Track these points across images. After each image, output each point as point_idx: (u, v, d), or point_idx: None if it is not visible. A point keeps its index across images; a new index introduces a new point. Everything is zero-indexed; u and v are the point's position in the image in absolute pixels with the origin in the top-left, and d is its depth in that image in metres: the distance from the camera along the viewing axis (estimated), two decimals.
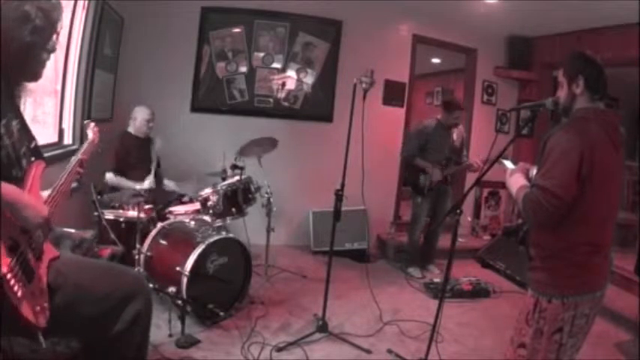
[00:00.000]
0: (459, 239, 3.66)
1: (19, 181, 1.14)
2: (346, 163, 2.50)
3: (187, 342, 2.19)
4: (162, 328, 2.27)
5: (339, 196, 2.46)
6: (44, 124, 2.81)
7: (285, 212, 3.88)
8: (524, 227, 4.24)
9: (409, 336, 2.61)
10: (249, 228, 3.08)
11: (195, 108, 4.00)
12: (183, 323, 2.22)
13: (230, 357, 2.17)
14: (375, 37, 4.21)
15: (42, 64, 1.21)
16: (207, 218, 2.75)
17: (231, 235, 2.66)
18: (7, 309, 0.99)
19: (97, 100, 3.19)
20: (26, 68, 1.18)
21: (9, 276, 0.98)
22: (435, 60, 6.36)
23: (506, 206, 4.68)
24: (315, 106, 4.18)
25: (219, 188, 2.81)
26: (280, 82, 4.09)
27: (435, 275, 3.68)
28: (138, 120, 3.10)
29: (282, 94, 4.12)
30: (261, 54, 4.06)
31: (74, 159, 1.40)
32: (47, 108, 2.85)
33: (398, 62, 4.33)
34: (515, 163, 1.67)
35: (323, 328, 2.51)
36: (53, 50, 1.21)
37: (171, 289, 2.29)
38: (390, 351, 2.41)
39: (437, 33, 4.40)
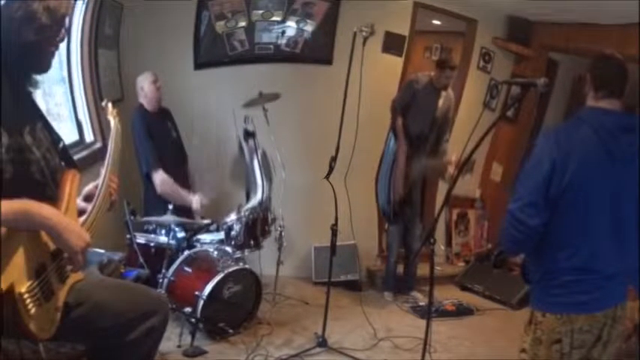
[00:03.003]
0: (437, 267, 3.48)
1: (54, 201, 1.02)
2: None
3: (194, 352, 2.21)
4: (173, 340, 2.30)
5: (334, 231, 2.69)
6: (59, 117, 2.57)
7: (292, 245, 3.94)
8: (495, 251, 4.31)
9: (403, 349, 2.65)
10: (262, 258, 3.24)
11: (198, 64, 3.83)
12: (193, 337, 2.25)
13: None
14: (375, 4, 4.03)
15: (51, 56, 1.10)
16: (228, 249, 2.83)
17: (247, 266, 2.79)
18: (14, 319, 0.93)
19: (105, 79, 2.93)
20: (34, 64, 1.08)
21: (26, 296, 0.93)
22: (436, 22, 5.97)
23: (475, 231, 4.40)
24: (315, 50, 4.06)
25: (242, 215, 2.81)
26: (280, 30, 3.98)
27: (420, 299, 3.74)
28: (145, 88, 2.77)
29: (282, 41, 3.99)
30: (260, 11, 3.95)
31: (105, 173, 1.21)
32: (58, 98, 2.62)
33: (398, 20, 4.24)
34: None
35: (323, 343, 2.57)
36: (62, 40, 1.10)
37: (187, 310, 2.37)
38: None
39: (438, 2, 4.29)
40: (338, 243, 2.74)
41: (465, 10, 4.43)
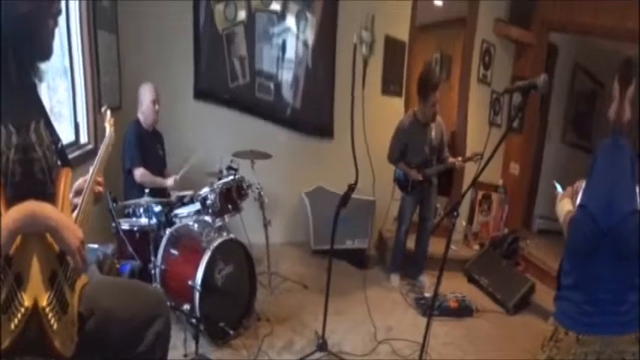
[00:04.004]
0: (452, 247, 3.83)
1: (52, 198, 1.08)
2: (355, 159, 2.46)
3: None
4: (179, 348, 2.38)
5: (351, 188, 2.44)
6: (60, 117, 2.74)
7: (278, 202, 3.91)
8: (509, 239, 4.23)
9: (400, 355, 2.81)
10: (247, 226, 3.22)
11: (198, 91, 3.85)
12: (197, 343, 2.33)
13: None
14: None
15: (50, 34, 1.09)
16: (208, 218, 2.88)
17: (232, 235, 2.81)
18: (41, 338, 0.97)
19: (104, 78, 3.11)
20: (34, 43, 1.06)
21: (47, 309, 0.96)
22: (437, 2, 5.74)
23: (497, 212, 4.73)
24: (314, 102, 4.03)
25: (215, 187, 2.92)
26: (280, 40, 3.91)
27: (426, 288, 3.83)
28: (144, 105, 3.02)
29: (281, 73, 3.93)
30: None
31: (93, 170, 1.29)
32: (60, 94, 2.77)
33: (398, 20, 4.16)
34: (563, 187, 1.55)
35: (322, 347, 2.69)
36: (59, 14, 1.09)
37: (186, 307, 2.41)
38: None
39: None
40: (353, 195, 2.52)
41: None
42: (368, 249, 4.18)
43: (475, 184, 1.75)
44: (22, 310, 0.91)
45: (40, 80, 1.14)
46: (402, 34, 4.19)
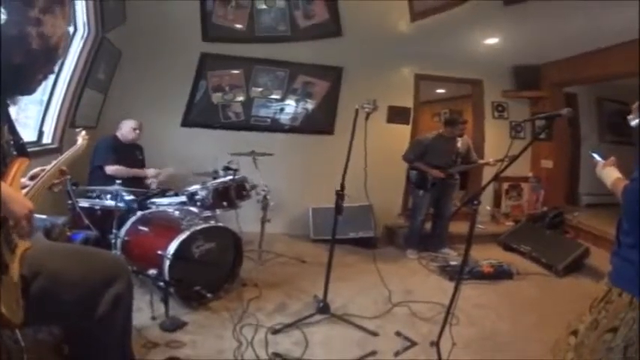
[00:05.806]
0: (479, 226, 3.79)
1: (2, 175, 1.21)
2: (347, 165, 2.33)
3: (172, 324, 2.09)
4: (145, 310, 2.16)
5: (340, 195, 2.34)
6: (25, 126, 3.02)
7: (283, 206, 3.78)
8: (551, 213, 4.14)
9: (421, 317, 2.44)
10: (242, 218, 2.90)
11: (186, 123, 4.13)
12: (166, 305, 2.12)
13: (221, 340, 2.02)
14: (376, 79, 4.34)
15: (36, 84, 1.26)
16: (194, 209, 2.69)
17: (220, 223, 2.57)
18: None
19: (83, 110, 3.36)
20: (20, 88, 1.23)
21: None
22: (440, 90, 6.58)
23: (530, 196, 4.87)
24: (316, 123, 4.31)
25: (208, 185, 2.74)
26: (279, 107, 4.24)
27: (451, 257, 3.51)
28: (123, 129, 3.31)
29: (280, 116, 4.27)
30: (260, 89, 4.22)
31: (55, 164, 1.44)
32: (30, 113, 3.07)
33: (401, 93, 4.51)
34: (603, 157, 1.58)
35: (324, 309, 2.36)
36: (51, 73, 1.27)
37: (152, 272, 2.19)
38: (398, 333, 2.23)
39: (439, 70, 4.59)
40: (348, 204, 2.42)
41: (468, 73, 4.70)
42: (376, 236, 3.83)
43: (497, 179, 1.86)
44: None
45: (14, 104, 1.33)
46: (407, 104, 4.51)
